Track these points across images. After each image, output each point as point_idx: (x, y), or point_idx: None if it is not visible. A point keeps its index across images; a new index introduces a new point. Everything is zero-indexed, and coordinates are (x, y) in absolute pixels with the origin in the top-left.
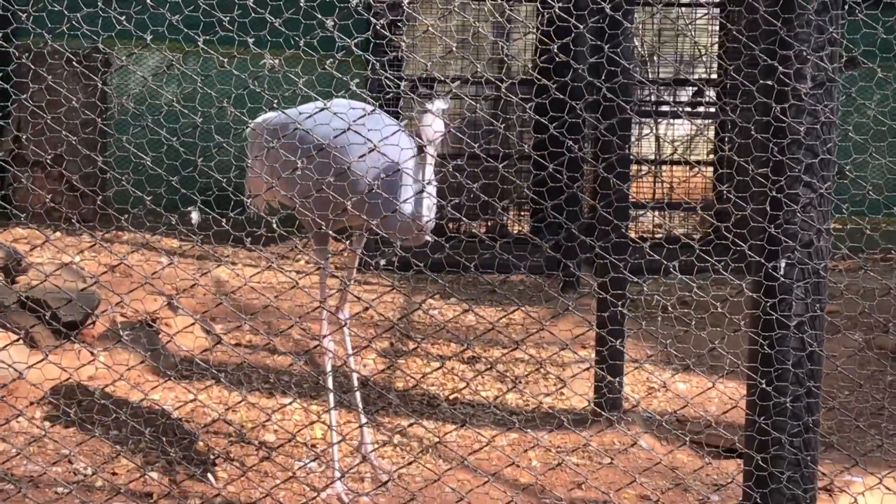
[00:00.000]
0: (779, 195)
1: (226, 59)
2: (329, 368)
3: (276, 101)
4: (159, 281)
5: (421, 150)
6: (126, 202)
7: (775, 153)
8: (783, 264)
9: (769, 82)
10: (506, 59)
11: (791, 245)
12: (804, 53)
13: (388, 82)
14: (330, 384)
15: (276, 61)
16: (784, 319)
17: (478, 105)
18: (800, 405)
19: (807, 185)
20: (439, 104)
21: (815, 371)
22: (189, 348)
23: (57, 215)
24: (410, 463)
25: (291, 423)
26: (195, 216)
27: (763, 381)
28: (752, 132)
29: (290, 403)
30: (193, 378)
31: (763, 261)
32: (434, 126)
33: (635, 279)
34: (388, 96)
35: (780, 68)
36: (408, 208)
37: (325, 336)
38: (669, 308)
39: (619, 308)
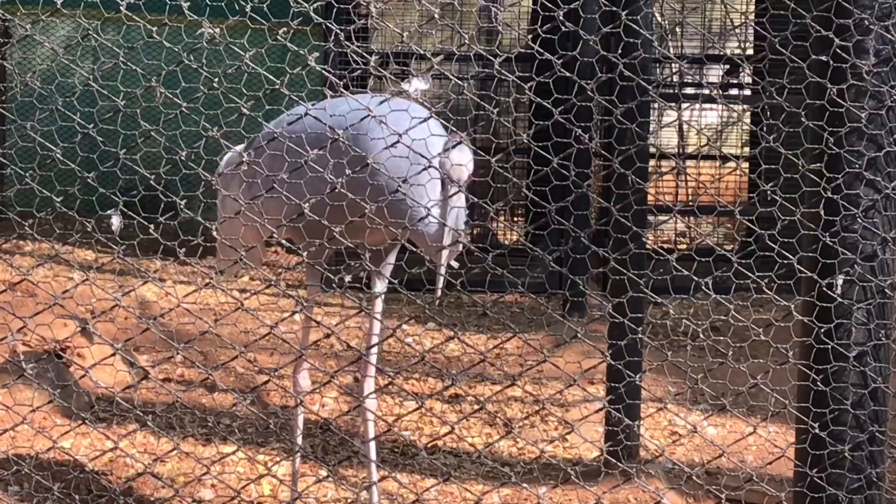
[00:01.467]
0: (835, 196)
1: (154, 28)
2: (300, 428)
3: (216, 78)
4: (71, 301)
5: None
6: (30, 204)
7: (830, 145)
8: (840, 281)
9: (823, 58)
10: (498, 28)
11: (850, 258)
12: (866, 23)
13: (353, 57)
14: (299, 440)
15: (217, 30)
16: (842, 349)
17: (464, 85)
18: (861, 454)
19: (869, 184)
20: (418, 84)
21: (879, 413)
22: (107, 384)
23: None
24: None
25: (234, 476)
26: (116, 221)
27: (816, 426)
28: (802, 119)
29: (233, 453)
30: (113, 422)
31: (816, 277)
32: (465, 163)
33: (658, 300)
34: (353, 74)
35: (837, 41)
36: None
37: (301, 393)
38: (700, 335)
39: (638, 335)
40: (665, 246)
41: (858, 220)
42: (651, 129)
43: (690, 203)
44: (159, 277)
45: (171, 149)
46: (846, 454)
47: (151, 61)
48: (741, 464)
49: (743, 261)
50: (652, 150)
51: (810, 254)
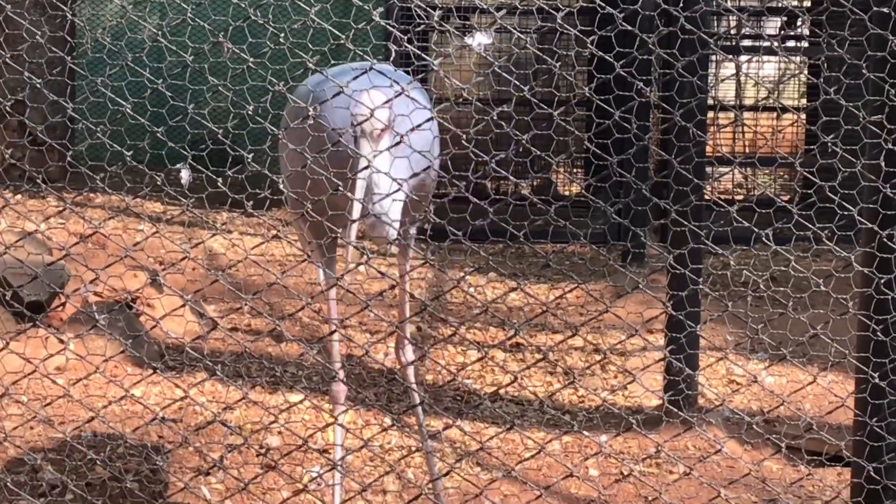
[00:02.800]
0: None
1: None
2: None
3: (282, 34)
4: (141, 253)
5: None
6: (101, 158)
7: (892, 96)
8: None
9: (884, 9)
10: None
11: None
12: None
13: (416, 11)
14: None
15: None
16: None
17: (526, 40)
18: None
19: None
20: (481, 38)
21: None
22: (177, 334)
23: (17, 174)
24: (446, 474)
25: (300, 424)
26: (185, 175)
27: (876, 375)
28: (863, 71)
29: (300, 402)
30: (182, 370)
31: (876, 228)
32: (376, 113)
33: (717, 250)
34: (417, 29)
35: None
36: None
37: (337, 376)
38: (760, 285)
39: (697, 285)
40: (723, 197)
41: None
42: (710, 81)
43: (749, 155)
44: (227, 229)
45: (238, 103)
46: None
47: (218, 17)
48: (800, 412)
49: (802, 212)
50: (710, 102)
51: (870, 205)
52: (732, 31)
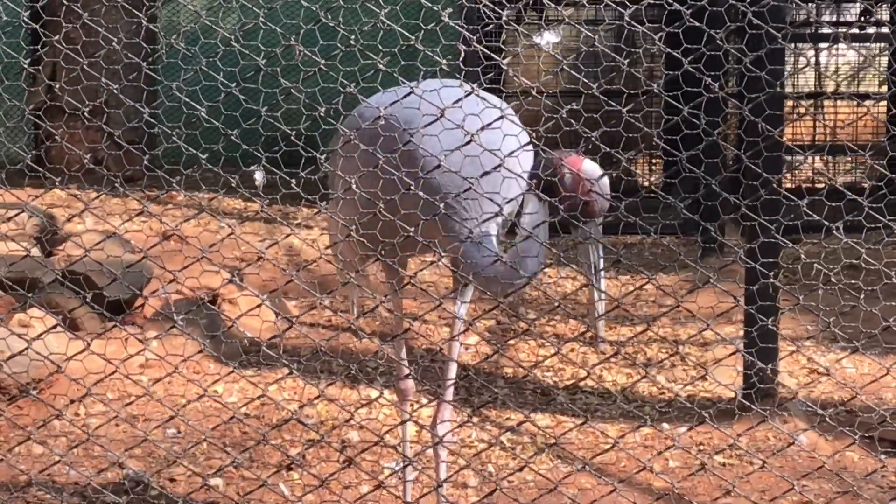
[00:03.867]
0: None
1: None
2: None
3: (352, 36)
4: (219, 253)
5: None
6: (178, 161)
7: None
8: None
9: None
10: None
11: None
12: None
13: (486, 12)
14: (408, 451)
15: None
16: None
17: (597, 36)
18: None
19: None
20: (549, 37)
21: None
22: (256, 332)
23: (98, 176)
24: (522, 468)
25: (379, 419)
26: (259, 177)
27: None
28: None
29: (378, 398)
30: (262, 368)
31: None
32: (599, 180)
33: (789, 244)
34: (486, 28)
35: None
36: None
37: (406, 400)
38: (832, 278)
39: (772, 279)
40: (804, 186)
41: None
42: (785, 73)
43: (825, 143)
44: (307, 225)
45: (310, 105)
46: None
47: (290, 20)
48: (879, 403)
49: (875, 203)
50: (786, 94)
51: None
52: (811, 19)
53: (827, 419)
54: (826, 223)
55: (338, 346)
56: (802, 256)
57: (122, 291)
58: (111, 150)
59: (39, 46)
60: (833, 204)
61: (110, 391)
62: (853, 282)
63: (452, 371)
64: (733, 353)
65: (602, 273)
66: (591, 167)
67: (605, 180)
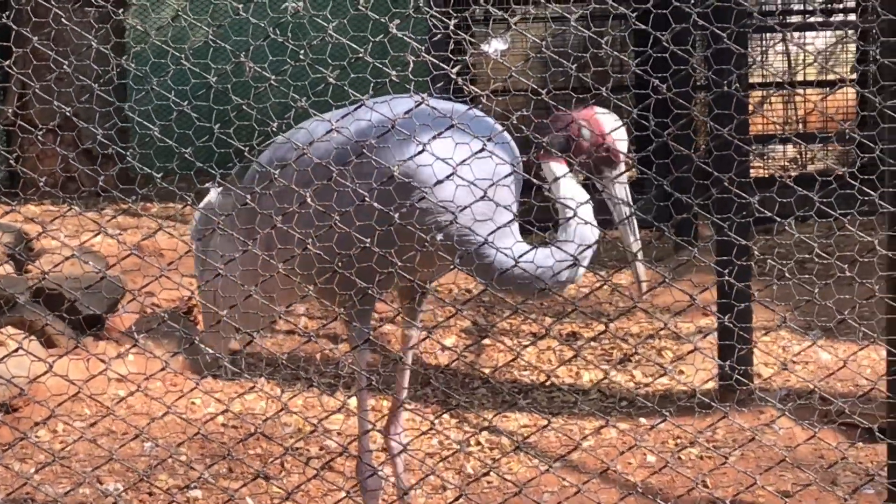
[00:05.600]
0: None
1: (240, 6)
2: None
3: (301, 51)
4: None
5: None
6: (134, 181)
7: None
8: None
9: None
10: None
11: None
12: None
13: (434, 23)
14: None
15: (300, 4)
16: None
17: (571, 20)
18: None
19: None
20: (497, 45)
21: None
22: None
23: (74, 188)
24: (487, 472)
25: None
26: (214, 194)
27: None
28: (876, 56)
29: (341, 409)
30: (240, 377)
31: None
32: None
33: (742, 243)
34: (433, 39)
35: None
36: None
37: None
38: (785, 271)
39: (744, 263)
40: (778, 174)
41: None
42: (757, 59)
43: (796, 130)
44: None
45: (262, 121)
46: None
47: (239, 38)
48: (855, 388)
49: (823, 199)
50: (759, 79)
51: (892, 189)
52: (777, 8)
53: (806, 403)
54: (778, 218)
55: (314, 351)
56: (756, 252)
57: (97, 304)
58: (85, 164)
59: (9, 62)
60: (800, 192)
61: (87, 407)
62: (822, 263)
63: (406, 380)
64: (692, 351)
65: (634, 217)
66: (604, 114)
67: (620, 122)
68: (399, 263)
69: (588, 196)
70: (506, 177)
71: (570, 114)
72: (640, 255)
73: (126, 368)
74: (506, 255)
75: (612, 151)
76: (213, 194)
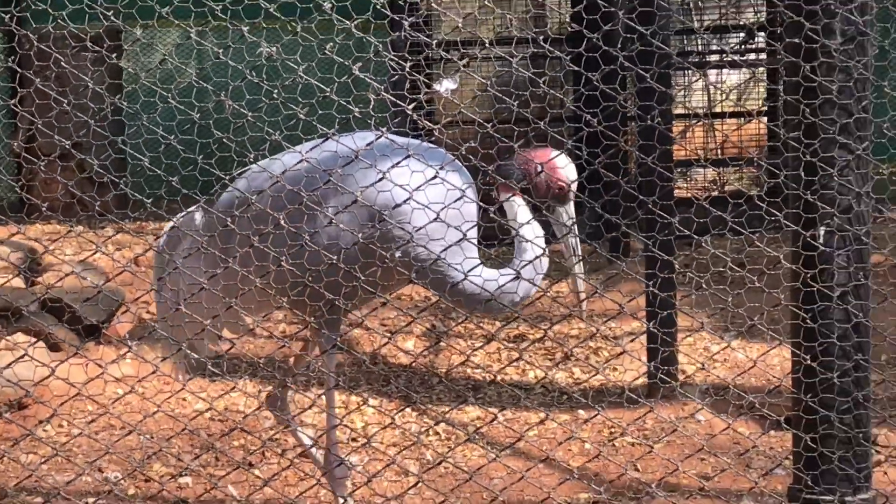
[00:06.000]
0: (813, 159)
1: (220, 50)
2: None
3: (275, 90)
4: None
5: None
6: (126, 206)
7: (807, 115)
8: (822, 232)
9: (796, 40)
10: (545, 13)
11: (829, 211)
12: (832, 7)
13: (392, 64)
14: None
15: (273, 49)
16: (826, 290)
17: (513, 62)
18: (848, 380)
19: (842, 147)
20: (448, 84)
21: (862, 344)
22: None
23: (75, 212)
24: (440, 462)
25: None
26: (198, 217)
27: (808, 357)
28: (781, 93)
29: (310, 407)
30: (226, 375)
31: (800, 230)
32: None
33: (675, 252)
34: (392, 79)
35: (808, 24)
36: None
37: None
38: (702, 283)
39: (667, 275)
40: (700, 194)
41: (835, 178)
42: (682, 93)
43: (717, 156)
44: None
45: (240, 152)
46: (835, 380)
47: (220, 79)
48: (766, 383)
49: (736, 218)
50: (684, 111)
51: (795, 210)
52: (698, 48)
53: (723, 397)
54: (696, 236)
55: (290, 354)
56: (676, 264)
57: (97, 314)
58: (86, 189)
59: (16, 100)
60: (715, 212)
61: (89, 405)
62: (738, 272)
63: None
64: (624, 352)
65: (577, 239)
66: (556, 154)
67: (572, 163)
68: (362, 277)
69: (540, 229)
70: (456, 200)
71: (528, 154)
72: (578, 270)
73: (122, 371)
74: (457, 270)
75: (564, 188)
76: (182, 215)
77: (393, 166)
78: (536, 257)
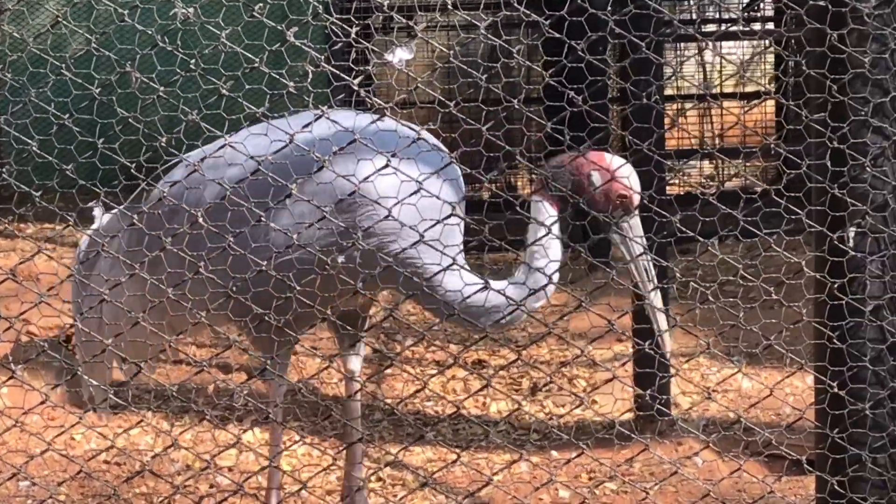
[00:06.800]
0: (841, 146)
1: (125, 12)
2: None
3: (192, 60)
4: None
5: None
6: (11, 199)
7: (834, 92)
8: (852, 233)
9: (821, 2)
10: None
11: (860, 209)
12: None
13: (334, 30)
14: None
15: (191, 10)
16: (857, 304)
17: (481, 27)
18: (882, 412)
19: (876, 131)
20: (401, 54)
21: None
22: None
23: None
24: (399, 498)
25: (249, 458)
26: (98, 213)
27: (834, 385)
28: (803, 67)
29: (235, 444)
30: (128, 407)
31: (826, 231)
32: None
33: (673, 258)
34: (334, 48)
35: None
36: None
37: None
38: (708, 294)
39: (663, 286)
40: (699, 190)
41: (867, 169)
42: (673, 71)
43: (716, 145)
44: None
45: (150, 135)
46: (867, 412)
47: (125, 46)
48: (777, 417)
49: (748, 217)
50: (672, 91)
51: (819, 207)
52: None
53: (728, 434)
54: (700, 238)
55: (205, 382)
56: (676, 273)
57: None
58: None
59: None
60: (723, 209)
61: None
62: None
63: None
64: (610, 380)
65: (653, 273)
66: (617, 160)
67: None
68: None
69: (559, 251)
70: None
71: (582, 156)
72: (657, 301)
73: (1, 402)
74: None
75: (628, 200)
76: (104, 217)
77: (394, 159)
78: (548, 276)
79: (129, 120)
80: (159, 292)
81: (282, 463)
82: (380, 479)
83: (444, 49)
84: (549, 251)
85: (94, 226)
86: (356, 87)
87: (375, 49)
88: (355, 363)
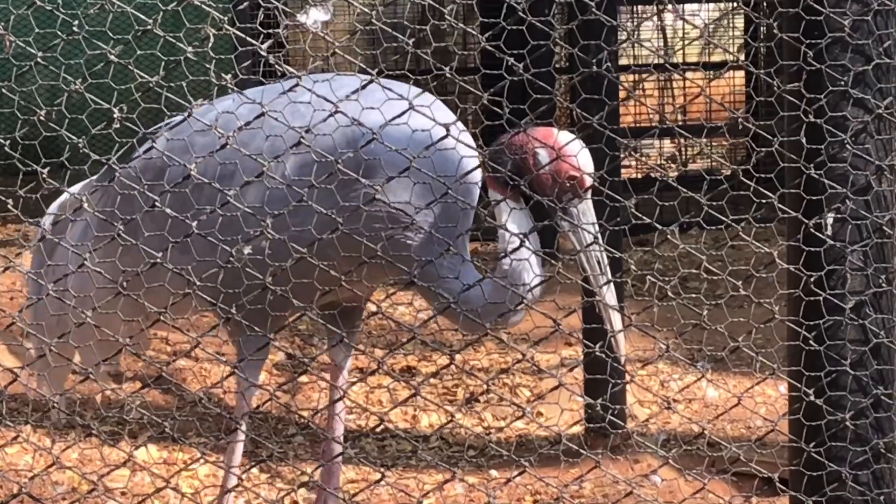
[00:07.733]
0: (818, 121)
1: None
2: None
3: (76, 22)
4: None
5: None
6: None
7: (810, 59)
8: (830, 220)
9: None
10: None
11: (840, 192)
12: None
13: None
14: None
15: None
16: (836, 300)
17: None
18: (864, 422)
19: (857, 104)
20: (316, 15)
21: (884, 372)
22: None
23: None
24: None
25: (145, 479)
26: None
27: (811, 392)
28: (775, 31)
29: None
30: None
31: (801, 217)
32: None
33: (627, 249)
34: (239, 8)
35: None
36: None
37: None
38: (669, 291)
39: (616, 280)
40: (653, 174)
41: (848, 147)
42: (627, 35)
43: (677, 121)
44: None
45: (27, 108)
46: (847, 423)
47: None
48: (747, 431)
49: (712, 202)
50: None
51: (794, 189)
52: None
53: (692, 450)
54: (658, 226)
55: (92, 392)
56: (632, 266)
57: None
58: None
59: None
60: (685, 193)
61: None
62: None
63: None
64: (556, 388)
65: (606, 266)
66: (565, 136)
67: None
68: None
69: (535, 239)
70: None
71: (526, 134)
72: (610, 297)
73: None
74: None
75: (577, 182)
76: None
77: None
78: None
79: (3, 90)
80: (137, 260)
81: (181, 485)
82: (294, 502)
83: (366, 10)
84: (523, 274)
85: (73, 189)
86: (264, 54)
87: (287, 10)
88: (340, 355)
